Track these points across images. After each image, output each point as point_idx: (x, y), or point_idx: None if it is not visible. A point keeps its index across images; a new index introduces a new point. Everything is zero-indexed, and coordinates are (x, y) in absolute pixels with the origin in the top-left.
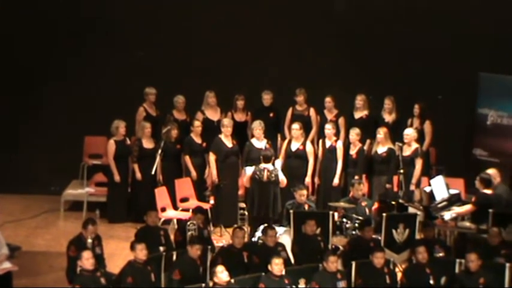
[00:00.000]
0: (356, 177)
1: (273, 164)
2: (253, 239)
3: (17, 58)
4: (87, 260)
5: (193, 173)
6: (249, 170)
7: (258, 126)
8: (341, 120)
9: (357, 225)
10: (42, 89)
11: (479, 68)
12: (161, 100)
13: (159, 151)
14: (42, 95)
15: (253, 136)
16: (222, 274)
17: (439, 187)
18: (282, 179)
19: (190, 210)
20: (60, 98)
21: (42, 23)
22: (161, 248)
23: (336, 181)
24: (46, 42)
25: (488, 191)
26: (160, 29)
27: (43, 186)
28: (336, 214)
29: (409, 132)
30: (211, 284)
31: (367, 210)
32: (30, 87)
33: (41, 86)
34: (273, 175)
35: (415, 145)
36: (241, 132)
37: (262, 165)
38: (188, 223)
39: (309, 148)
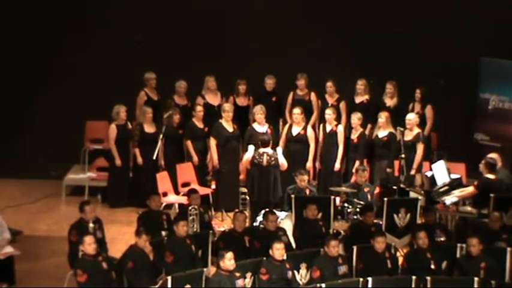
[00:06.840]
0: (357, 162)
1: (272, 148)
2: (254, 224)
3: (16, 43)
4: (89, 245)
5: (195, 158)
6: (252, 149)
7: (259, 111)
8: (342, 105)
9: (358, 210)
10: (43, 74)
11: (480, 53)
12: (162, 85)
13: (161, 136)
14: (43, 80)
15: (254, 121)
16: (229, 261)
17: (440, 172)
18: (282, 162)
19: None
20: (62, 82)
21: (39, 8)
22: (163, 233)
23: (337, 166)
24: (45, 27)
25: (491, 176)
26: (162, 13)
27: (43, 171)
28: (337, 199)
29: (411, 117)
30: (213, 267)
31: (369, 196)
32: (31, 72)
33: (41, 71)
34: (272, 159)
35: (416, 130)
36: (243, 116)
37: (261, 150)
38: (190, 208)
39: (310, 133)
